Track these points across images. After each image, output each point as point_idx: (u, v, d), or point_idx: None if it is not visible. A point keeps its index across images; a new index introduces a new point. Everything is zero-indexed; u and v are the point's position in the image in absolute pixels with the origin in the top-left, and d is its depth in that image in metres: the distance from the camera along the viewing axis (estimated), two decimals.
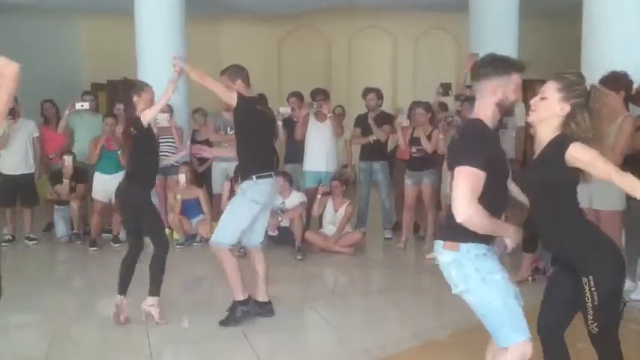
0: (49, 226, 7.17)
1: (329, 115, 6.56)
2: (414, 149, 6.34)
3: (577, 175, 2.47)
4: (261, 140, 4.25)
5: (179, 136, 6.88)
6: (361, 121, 6.92)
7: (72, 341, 4.08)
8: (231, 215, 4.12)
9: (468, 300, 2.48)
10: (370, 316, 4.56)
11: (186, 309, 4.64)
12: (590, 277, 2.44)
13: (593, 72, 4.64)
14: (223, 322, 4.15)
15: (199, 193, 6.79)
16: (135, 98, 4.21)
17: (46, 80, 9.07)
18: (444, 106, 7.17)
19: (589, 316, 2.48)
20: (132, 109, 4.26)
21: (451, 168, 2.40)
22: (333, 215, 6.46)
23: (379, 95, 6.90)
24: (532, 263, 5.25)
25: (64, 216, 6.90)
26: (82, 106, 6.77)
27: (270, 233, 6.41)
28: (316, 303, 4.73)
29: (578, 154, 2.39)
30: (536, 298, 4.86)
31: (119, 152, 6.27)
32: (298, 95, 7.00)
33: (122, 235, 6.73)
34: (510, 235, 2.47)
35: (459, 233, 2.40)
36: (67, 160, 6.68)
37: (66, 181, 6.77)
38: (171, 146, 6.90)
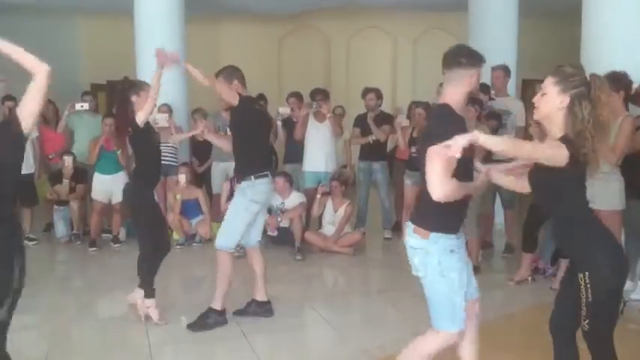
0: (49, 227, 7.17)
1: (328, 115, 6.56)
2: (413, 149, 6.33)
3: (575, 173, 2.42)
4: (260, 140, 4.26)
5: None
6: (360, 121, 6.92)
7: (72, 341, 4.08)
8: (234, 217, 4.12)
9: (422, 282, 2.67)
10: (370, 316, 4.56)
11: (186, 309, 4.63)
12: (586, 273, 2.42)
13: (593, 72, 4.64)
14: (191, 326, 4.11)
15: (199, 194, 6.79)
16: (134, 98, 4.21)
17: None
18: None
19: (582, 312, 2.47)
20: (125, 109, 4.24)
21: (423, 154, 2.52)
22: (333, 215, 6.46)
23: (379, 95, 6.90)
24: (531, 263, 5.25)
25: (63, 216, 6.90)
26: (82, 106, 6.77)
27: (270, 233, 6.42)
28: (316, 303, 4.73)
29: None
30: (536, 298, 4.91)
31: (119, 152, 6.26)
32: (298, 95, 7.00)
33: (122, 236, 6.74)
34: (478, 189, 2.60)
35: (430, 222, 2.58)
36: (67, 160, 6.68)
37: (65, 182, 6.77)
38: (170, 147, 6.91)
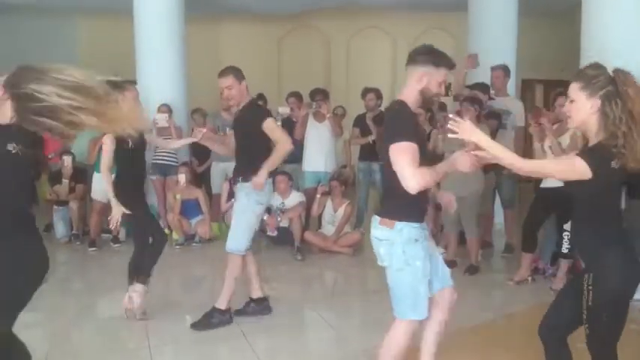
0: (49, 227, 7.16)
1: (328, 115, 6.56)
2: None
3: (602, 180, 2.34)
4: (265, 141, 4.25)
5: (178, 136, 6.88)
6: (360, 122, 6.92)
7: (72, 342, 4.08)
8: (242, 220, 4.12)
9: (387, 273, 2.75)
10: (369, 316, 4.55)
11: (186, 309, 4.64)
12: (591, 275, 2.38)
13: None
14: (196, 325, 4.12)
15: (198, 194, 6.79)
16: (119, 98, 4.18)
17: None
18: (442, 106, 7.17)
19: (583, 315, 2.42)
20: None
21: (384, 149, 2.62)
22: (333, 215, 6.47)
23: (378, 95, 6.90)
24: (531, 263, 5.25)
25: (63, 216, 6.90)
26: None
27: (270, 233, 6.43)
28: (316, 303, 4.73)
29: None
30: (536, 298, 4.91)
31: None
32: (297, 95, 7.00)
33: (122, 236, 6.74)
34: (457, 163, 2.58)
35: (394, 212, 2.67)
36: (66, 160, 6.68)
37: (65, 182, 6.77)
38: None
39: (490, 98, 6.25)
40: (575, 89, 2.41)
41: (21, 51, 9.88)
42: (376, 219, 2.74)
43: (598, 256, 2.40)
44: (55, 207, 6.91)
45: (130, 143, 4.15)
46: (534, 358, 3.65)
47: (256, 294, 4.35)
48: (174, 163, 6.93)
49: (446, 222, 5.84)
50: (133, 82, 4.41)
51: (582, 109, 2.39)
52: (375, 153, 6.88)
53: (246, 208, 4.11)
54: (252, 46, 11.27)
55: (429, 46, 2.80)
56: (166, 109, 6.77)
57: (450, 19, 10.41)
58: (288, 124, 6.85)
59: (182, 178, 6.61)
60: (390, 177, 2.65)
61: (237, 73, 4.12)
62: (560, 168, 2.42)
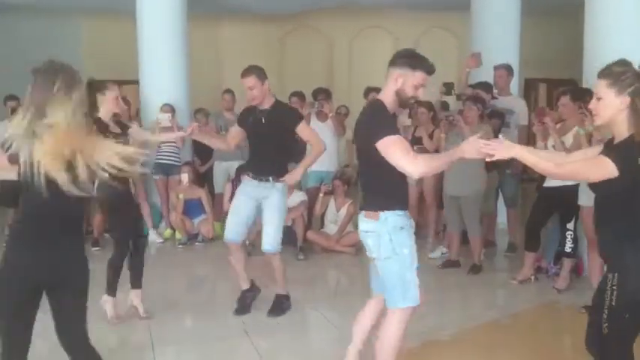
0: None
1: (330, 114, 6.56)
2: (415, 148, 6.33)
3: (628, 178, 2.32)
4: (294, 141, 4.45)
5: (180, 137, 6.88)
6: None
7: None
8: (280, 219, 4.26)
9: (376, 264, 2.83)
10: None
11: (189, 309, 4.65)
12: (615, 275, 2.34)
13: (597, 71, 4.62)
14: (272, 313, 4.33)
15: (201, 193, 6.79)
16: (100, 98, 4.19)
17: None
18: (445, 106, 7.17)
19: (603, 314, 2.38)
20: (92, 109, 4.25)
21: (362, 146, 2.76)
22: (335, 214, 6.46)
23: None
24: (534, 262, 5.24)
25: None
26: None
27: None
28: (318, 303, 4.73)
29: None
30: (539, 297, 4.90)
31: None
32: (300, 95, 7.00)
33: None
34: (463, 152, 2.58)
35: (377, 203, 2.77)
36: None
37: None
38: (173, 146, 6.91)
39: (493, 97, 6.24)
40: (602, 86, 2.39)
41: (24, 51, 9.89)
42: (362, 213, 2.85)
43: (622, 256, 2.37)
44: None
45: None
46: (537, 357, 3.65)
47: (245, 284, 4.48)
48: (176, 163, 6.93)
49: (449, 221, 5.83)
50: (117, 82, 4.40)
51: (611, 106, 2.37)
52: (364, 150, 6.86)
53: (284, 207, 4.29)
54: (254, 46, 11.26)
55: (410, 50, 2.90)
56: (169, 108, 6.77)
57: (453, 19, 10.39)
58: None
59: (185, 177, 6.61)
60: (366, 172, 2.84)
61: (259, 72, 4.16)
62: (593, 170, 2.38)
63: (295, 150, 4.92)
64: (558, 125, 4.77)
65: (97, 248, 6.48)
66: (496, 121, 5.79)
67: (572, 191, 4.54)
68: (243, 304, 4.40)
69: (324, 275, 5.98)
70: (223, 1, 9.54)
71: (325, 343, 4.12)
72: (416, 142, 6.32)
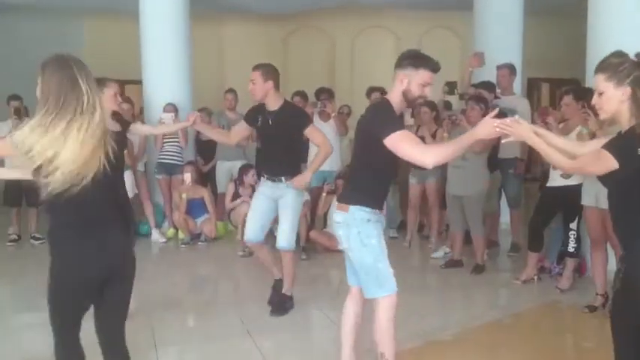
0: None
1: (333, 114, 6.56)
2: None
3: (630, 168, 2.32)
4: (302, 142, 4.53)
5: (184, 135, 6.90)
6: None
7: None
8: (294, 219, 4.32)
9: (349, 255, 2.95)
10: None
11: (191, 308, 4.65)
12: (624, 266, 2.36)
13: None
14: (274, 312, 4.35)
15: (204, 193, 6.80)
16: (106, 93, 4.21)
17: None
18: (448, 105, 7.16)
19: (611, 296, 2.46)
20: None
21: (359, 142, 2.87)
22: None
23: (383, 94, 6.86)
24: (538, 262, 5.24)
25: None
26: None
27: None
28: (321, 302, 4.73)
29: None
30: (542, 297, 4.89)
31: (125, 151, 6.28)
32: (302, 95, 7.00)
33: None
34: (477, 133, 2.57)
35: (349, 197, 2.91)
36: None
37: None
38: (176, 145, 6.94)
39: (496, 97, 6.23)
40: (601, 80, 2.38)
41: (27, 51, 9.91)
42: (334, 205, 2.98)
43: (632, 247, 2.37)
44: None
45: None
46: (540, 357, 3.64)
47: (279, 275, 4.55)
48: (179, 162, 6.94)
49: (451, 221, 5.83)
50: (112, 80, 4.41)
51: (613, 98, 2.36)
52: (359, 146, 6.85)
53: (300, 206, 4.38)
54: (257, 46, 11.27)
55: (413, 51, 2.91)
56: (172, 108, 6.78)
57: (455, 18, 10.38)
58: None
59: (187, 177, 6.62)
60: (353, 167, 3.00)
61: (266, 70, 4.18)
62: (595, 164, 2.39)
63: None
64: (561, 125, 4.77)
65: None
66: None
67: (575, 191, 4.53)
68: (278, 292, 4.45)
69: (327, 275, 5.98)
70: (226, 0, 9.55)
71: (327, 343, 4.11)
72: None
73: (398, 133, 2.66)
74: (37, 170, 2.15)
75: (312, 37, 11.85)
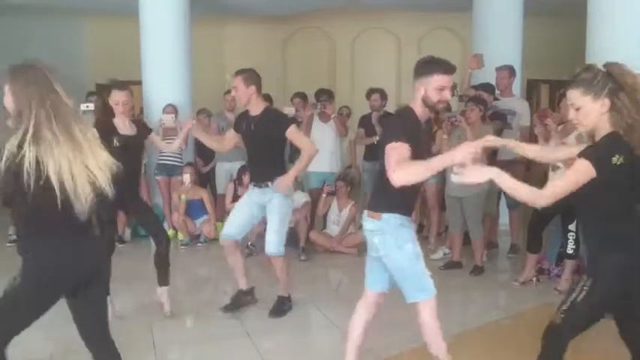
0: None
1: (333, 115, 6.57)
2: None
3: (624, 178, 2.34)
4: (284, 146, 4.48)
5: (185, 136, 6.88)
6: (365, 122, 6.92)
7: (77, 341, 4.07)
8: (283, 225, 4.29)
9: (385, 262, 2.92)
10: (374, 316, 4.55)
11: (191, 309, 4.65)
12: (590, 280, 2.39)
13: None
14: (273, 314, 4.35)
15: (203, 194, 6.81)
16: (109, 100, 4.25)
17: None
18: (447, 106, 7.15)
19: (564, 305, 2.45)
20: (106, 109, 4.33)
21: (382, 148, 2.81)
22: (338, 215, 6.47)
23: (383, 96, 6.89)
24: (536, 264, 5.24)
25: None
26: (87, 107, 6.77)
27: None
28: (320, 303, 4.73)
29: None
30: (541, 298, 4.90)
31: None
32: (302, 96, 7.01)
33: (127, 236, 6.76)
34: (456, 156, 2.50)
35: (380, 205, 2.90)
36: None
37: None
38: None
39: (495, 99, 6.24)
40: (577, 96, 2.39)
41: (27, 52, 9.92)
42: (365, 212, 2.98)
43: (602, 260, 2.40)
44: None
45: (115, 142, 4.17)
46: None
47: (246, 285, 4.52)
48: (179, 164, 6.95)
49: (450, 223, 5.83)
50: (130, 84, 4.43)
51: (592, 112, 2.37)
52: (380, 153, 6.85)
53: (288, 212, 4.33)
54: (257, 47, 11.28)
55: (426, 57, 2.91)
56: (172, 109, 6.78)
57: (455, 19, 10.39)
58: None
59: (187, 178, 6.63)
60: (378, 173, 2.95)
61: (248, 76, 4.18)
62: (578, 178, 2.32)
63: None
64: (560, 127, 4.77)
65: None
66: (498, 123, 5.79)
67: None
68: (236, 303, 4.42)
69: (326, 276, 5.99)
70: (226, 2, 9.55)
71: (327, 344, 4.12)
72: None
73: (393, 143, 2.66)
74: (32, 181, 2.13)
75: (312, 38, 11.86)
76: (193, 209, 6.78)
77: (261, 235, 4.93)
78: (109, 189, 2.28)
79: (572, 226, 4.87)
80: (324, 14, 10.97)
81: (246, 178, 6.46)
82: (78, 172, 2.17)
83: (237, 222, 4.31)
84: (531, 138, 6.15)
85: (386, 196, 2.87)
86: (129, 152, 4.30)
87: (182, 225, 6.67)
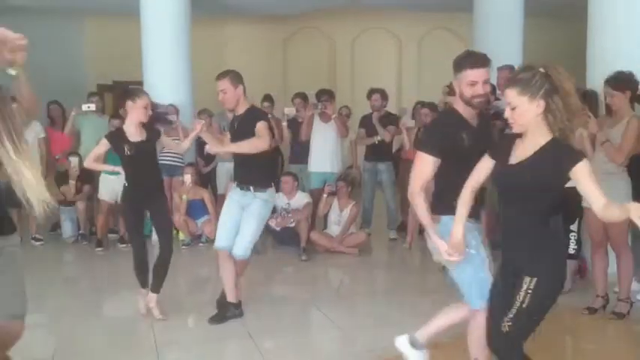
0: (56, 227, 7.20)
1: (333, 115, 6.57)
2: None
3: (564, 183, 2.44)
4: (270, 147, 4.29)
5: (185, 136, 6.89)
6: (366, 122, 6.92)
7: (78, 342, 4.09)
8: (256, 228, 4.19)
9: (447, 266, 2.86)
10: (375, 316, 4.56)
11: (192, 309, 4.66)
12: (534, 280, 2.39)
13: (600, 72, 4.62)
14: (213, 320, 4.22)
15: (204, 194, 6.81)
16: (129, 104, 4.21)
17: (52, 81, 9.10)
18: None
19: (509, 314, 2.43)
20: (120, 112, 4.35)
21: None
22: (339, 215, 6.47)
23: (384, 96, 6.89)
24: None
25: (70, 216, 6.93)
26: (89, 107, 6.79)
27: (275, 227, 6.41)
28: (321, 303, 4.73)
29: (583, 175, 2.37)
30: None
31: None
32: (303, 96, 7.01)
33: (128, 236, 6.76)
34: (441, 248, 2.67)
35: (438, 208, 2.80)
36: (73, 161, 6.72)
37: (72, 182, 6.80)
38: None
39: (496, 99, 6.23)
40: (514, 95, 2.38)
41: (29, 53, 9.91)
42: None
43: (541, 259, 2.44)
44: (61, 207, 6.94)
45: (126, 150, 4.17)
46: (542, 358, 3.64)
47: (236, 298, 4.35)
48: (180, 164, 6.95)
49: None
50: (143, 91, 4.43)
51: (528, 112, 2.37)
52: (380, 153, 6.88)
53: (265, 216, 4.23)
54: (257, 48, 11.29)
55: (459, 55, 2.87)
56: (173, 109, 6.79)
57: (456, 20, 10.39)
58: (294, 125, 6.86)
59: (188, 178, 6.63)
60: (437, 175, 2.82)
61: (233, 77, 4.10)
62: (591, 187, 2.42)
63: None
64: None
65: (100, 249, 6.51)
66: (499, 122, 5.78)
67: (575, 193, 4.52)
68: (222, 316, 4.26)
69: (327, 276, 5.99)
70: (226, 2, 9.56)
71: (328, 344, 4.12)
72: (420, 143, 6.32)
73: (422, 153, 2.75)
74: None
75: (312, 38, 11.86)
76: (194, 209, 6.78)
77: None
78: None
79: (573, 227, 4.86)
80: (325, 14, 10.97)
81: None
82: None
83: (225, 233, 4.20)
84: None
85: (443, 198, 2.82)
86: (142, 158, 4.28)
87: (183, 225, 6.67)
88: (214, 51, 10.61)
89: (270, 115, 5.79)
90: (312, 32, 11.84)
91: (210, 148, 4.35)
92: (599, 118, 4.33)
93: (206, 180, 7.37)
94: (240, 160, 4.27)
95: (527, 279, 2.39)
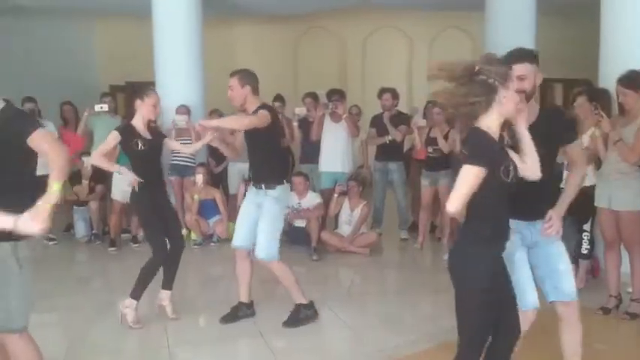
0: (69, 227, 7.26)
1: (344, 115, 6.57)
2: (430, 149, 6.32)
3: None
4: (278, 144, 4.31)
5: (197, 137, 6.92)
6: (377, 122, 6.91)
7: (90, 341, 4.13)
8: (274, 227, 4.14)
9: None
10: (386, 316, 4.55)
11: (204, 309, 4.68)
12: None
13: (612, 70, 4.58)
14: (287, 323, 4.18)
15: (216, 194, 6.84)
16: (138, 102, 4.24)
17: (65, 82, 9.20)
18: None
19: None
20: (131, 112, 4.36)
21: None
22: (349, 215, 6.46)
23: (395, 95, 6.88)
24: None
25: (83, 216, 6.99)
26: (101, 107, 6.85)
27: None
28: (332, 303, 4.73)
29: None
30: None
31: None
32: (313, 96, 7.01)
33: (141, 236, 6.80)
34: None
35: None
36: (86, 161, 6.77)
37: (85, 182, 6.86)
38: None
39: None
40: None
41: (40, 53, 10.02)
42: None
43: (463, 266, 2.62)
44: (75, 207, 7.00)
45: (140, 145, 4.19)
46: (551, 358, 3.62)
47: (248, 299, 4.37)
48: (191, 164, 6.98)
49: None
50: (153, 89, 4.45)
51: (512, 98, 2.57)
52: (391, 153, 6.87)
53: (279, 214, 4.18)
54: (269, 48, 11.31)
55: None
56: (185, 110, 6.83)
57: (467, 19, 10.34)
58: (305, 125, 6.87)
59: (199, 178, 6.66)
60: None
61: (243, 76, 4.11)
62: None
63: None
64: None
65: (113, 249, 6.55)
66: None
67: (588, 193, 4.50)
68: (234, 315, 4.28)
69: (338, 275, 5.99)
70: (237, 2, 9.59)
71: (339, 343, 4.13)
72: (431, 143, 6.31)
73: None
74: None
75: (323, 38, 11.86)
76: (206, 209, 6.81)
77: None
78: None
79: (586, 226, 4.83)
80: (335, 14, 10.96)
81: None
82: None
83: (242, 232, 4.21)
84: None
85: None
86: (153, 154, 4.33)
87: (195, 225, 6.70)
88: (225, 51, 10.64)
89: (280, 115, 5.81)
90: (323, 32, 11.83)
91: (203, 125, 4.18)
92: (612, 118, 4.29)
93: (218, 180, 7.39)
94: (252, 159, 4.30)
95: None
